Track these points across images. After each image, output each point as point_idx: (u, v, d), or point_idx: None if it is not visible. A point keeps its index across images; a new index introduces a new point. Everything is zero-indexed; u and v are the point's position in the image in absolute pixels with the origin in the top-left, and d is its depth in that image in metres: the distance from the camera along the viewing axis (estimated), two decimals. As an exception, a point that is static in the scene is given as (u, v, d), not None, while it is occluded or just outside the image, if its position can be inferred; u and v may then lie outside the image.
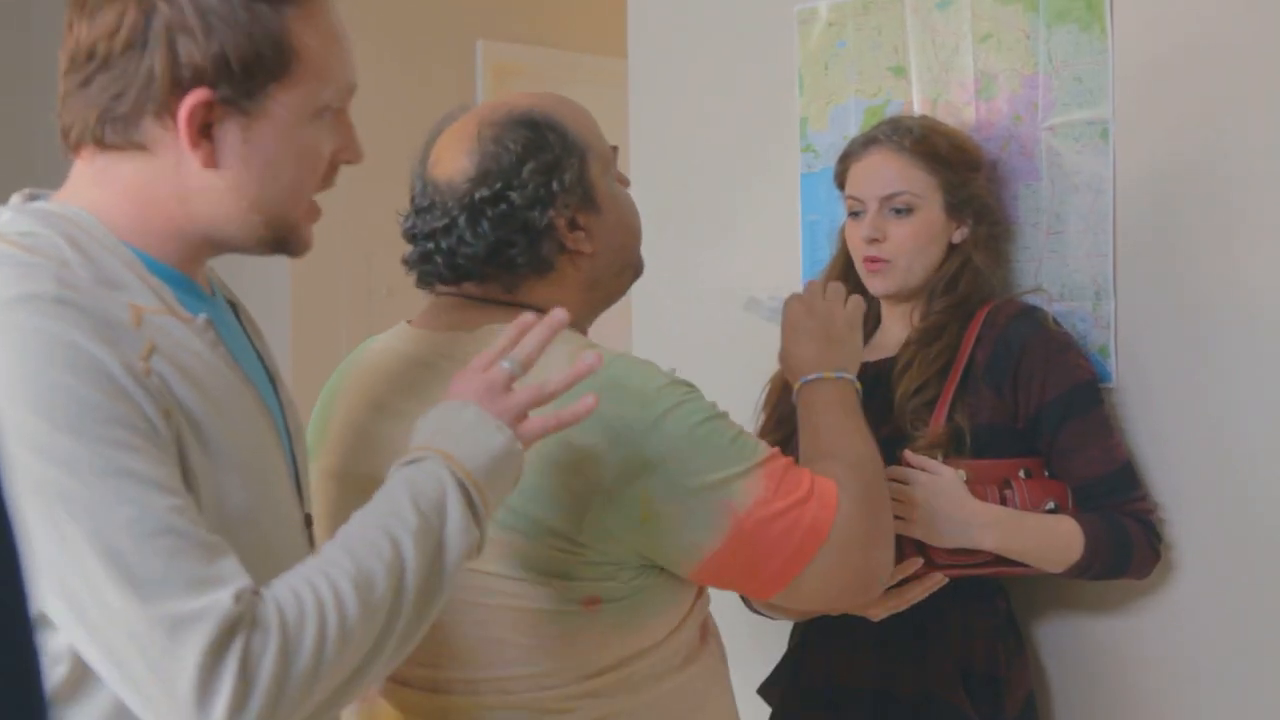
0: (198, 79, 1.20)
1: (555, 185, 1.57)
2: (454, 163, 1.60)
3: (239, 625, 1.10)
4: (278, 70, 1.23)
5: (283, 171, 1.27)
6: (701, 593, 1.65)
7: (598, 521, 1.47)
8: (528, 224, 1.57)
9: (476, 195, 1.57)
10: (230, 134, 1.23)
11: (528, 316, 1.41)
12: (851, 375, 1.73)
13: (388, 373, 1.63)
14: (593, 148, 1.62)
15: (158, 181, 1.24)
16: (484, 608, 1.52)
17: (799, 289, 1.90)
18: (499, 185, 1.56)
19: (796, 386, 1.74)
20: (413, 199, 1.65)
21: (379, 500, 1.27)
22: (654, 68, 2.73)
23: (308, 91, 1.26)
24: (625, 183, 1.68)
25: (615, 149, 1.67)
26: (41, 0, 4.42)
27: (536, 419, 1.35)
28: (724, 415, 1.53)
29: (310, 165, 1.30)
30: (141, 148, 1.23)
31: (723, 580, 1.57)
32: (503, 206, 1.56)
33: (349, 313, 4.14)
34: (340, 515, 1.61)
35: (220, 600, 1.10)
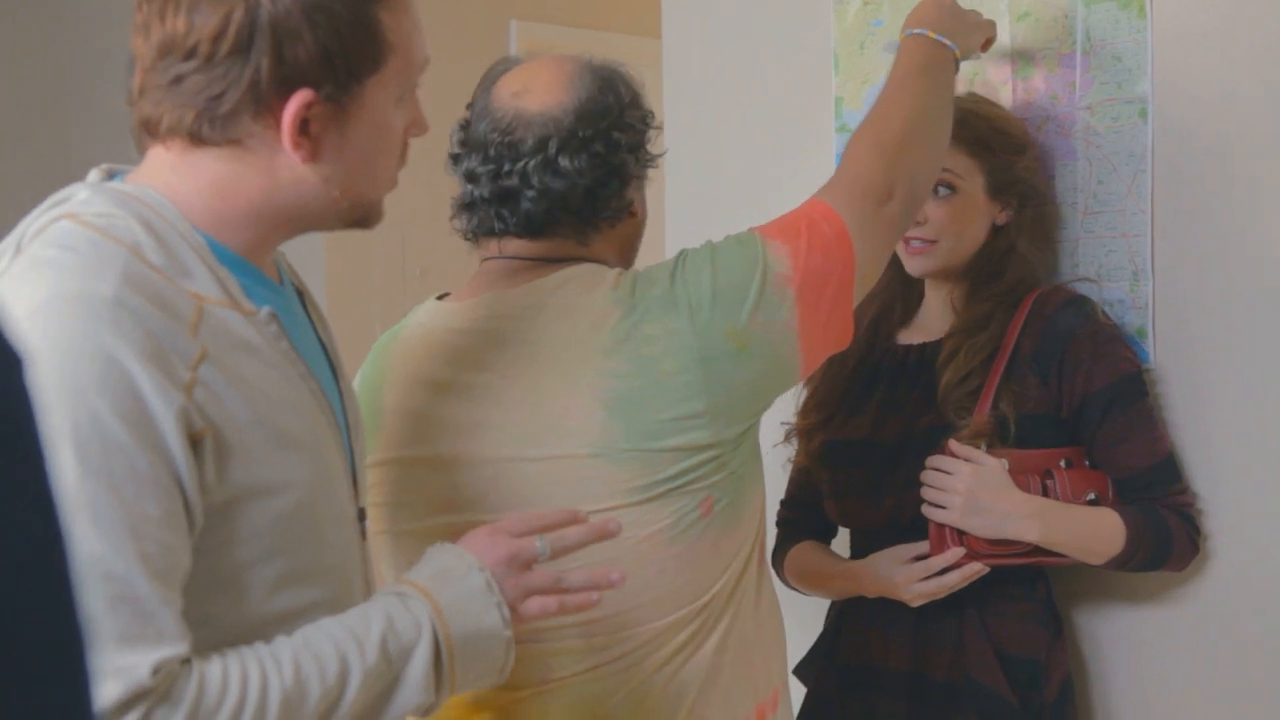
0: (301, 79, 1.20)
1: (646, 138, 1.63)
2: (550, 95, 1.58)
3: (145, 698, 1.09)
4: (374, 64, 1.24)
5: (374, 158, 1.29)
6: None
7: (713, 381, 1.52)
8: (621, 168, 1.59)
9: (580, 132, 1.56)
10: (329, 129, 1.23)
11: (581, 514, 1.40)
12: (955, 45, 1.83)
13: (439, 348, 1.61)
14: None
15: (246, 174, 1.24)
16: (604, 549, 1.48)
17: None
18: (604, 124, 1.58)
19: (901, 39, 1.84)
20: (482, 135, 1.60)
21: (351, 617, 1.24)
22: (688, 48, 2.71)
23: (398, 81, 1.27)
24: None
25: None
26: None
27: (536, 601, 1.33)
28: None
29: (392, 147, 1.31)
30: (236, 143, 1.22)
31: (827, 337, 1.61)
32: (600, 146, 1.57)
33: (382, 294, 4.14)
34: (408, 501, 1.61)
35: (138, 668, 1.08)
